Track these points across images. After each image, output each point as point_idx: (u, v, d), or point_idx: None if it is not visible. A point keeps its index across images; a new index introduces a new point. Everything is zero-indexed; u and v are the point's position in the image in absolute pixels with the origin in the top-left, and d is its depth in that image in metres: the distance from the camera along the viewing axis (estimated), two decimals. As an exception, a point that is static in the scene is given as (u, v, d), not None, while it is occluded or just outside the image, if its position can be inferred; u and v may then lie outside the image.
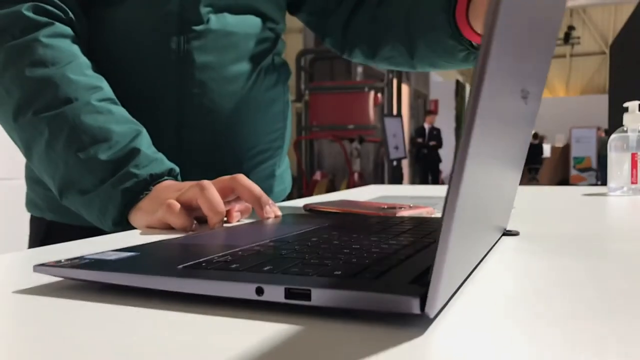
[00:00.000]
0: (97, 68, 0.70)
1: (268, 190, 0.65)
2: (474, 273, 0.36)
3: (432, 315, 0.24)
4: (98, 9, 0.74)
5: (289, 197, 0.99)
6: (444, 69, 0.84)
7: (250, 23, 0.80)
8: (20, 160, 0.80)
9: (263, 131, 0.84)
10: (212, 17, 0.76)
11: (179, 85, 0.75)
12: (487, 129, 0.26)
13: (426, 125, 9.45)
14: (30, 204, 0.84)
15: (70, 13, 0.71)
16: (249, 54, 0.80)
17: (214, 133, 0.79)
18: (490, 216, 0.37)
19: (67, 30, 0.70)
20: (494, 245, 0.47)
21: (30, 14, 0.67)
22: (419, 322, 0.26)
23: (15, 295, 0.32)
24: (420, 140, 9.43)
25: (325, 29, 0.94)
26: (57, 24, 0.69)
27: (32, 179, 0.82)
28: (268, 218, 0.62)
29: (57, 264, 0.34)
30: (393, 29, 0.84)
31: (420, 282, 0.27)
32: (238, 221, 0.64)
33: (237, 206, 0.65)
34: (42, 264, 0.34)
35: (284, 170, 0.94)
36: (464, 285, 0.33)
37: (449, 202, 0.23)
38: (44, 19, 0.68)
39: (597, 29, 18.40)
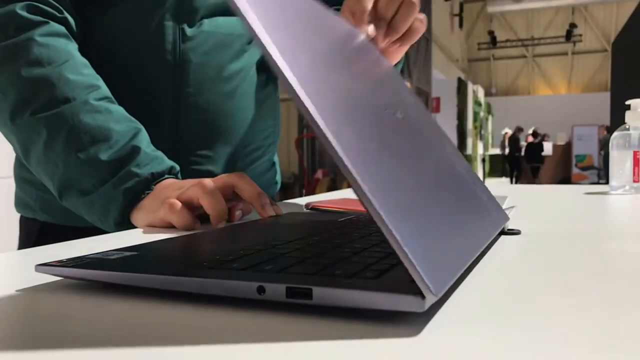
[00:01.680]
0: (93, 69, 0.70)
1: (262, 187, 0.65)
2: (473, 271, 0.36)
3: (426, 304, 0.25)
4: (93, 10, 0.74)
5: (290, 196, 1.00)
6: None
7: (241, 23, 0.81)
8: (10, 158, 0.79)
9: (256, 129, 0.85)
10: (206, 20, 0.76)
11: (175, 86, 0.76)
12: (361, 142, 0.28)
13: None
14: (20, 204, 0.83)
15: (64, 12, 0.71)
16: (242, 54, 0.81)
17: (209, 131, 0.79)
18: (457, 210, 0.37)
19: (62, 29, 0.69)
20: (493, 244, 0.47)
21: (24, 13, 0.67)
22: (420, 320, 0.26)
23: (18, 294, 0.33)
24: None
25: None
26: (52, 23, 0.69)
27: (22, 179, 0.81)
28: (269, 217, 0.62)
29: (60, 264, 0.34)
30: None
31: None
32: (239, 220, 0.65)
33: (238, 205, 0.65)
34: (45, 264, 0.34)
35: (275, 167, 0.96)
36: (462, 283, 0.33)
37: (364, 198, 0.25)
38: (38, 18, 0.67)
39: (599, 26, 18.36)
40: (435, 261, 0.27)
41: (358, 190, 0.25)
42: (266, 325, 0.26)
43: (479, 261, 0.40)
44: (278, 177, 0.98)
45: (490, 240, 0.40)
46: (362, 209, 0.69)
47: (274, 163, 0.95)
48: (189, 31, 0.75)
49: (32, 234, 0.81)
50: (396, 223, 0.25)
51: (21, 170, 0.81)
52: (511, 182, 12.70)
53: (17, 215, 0.85)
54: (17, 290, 0.33)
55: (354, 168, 0.25)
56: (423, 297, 0.24)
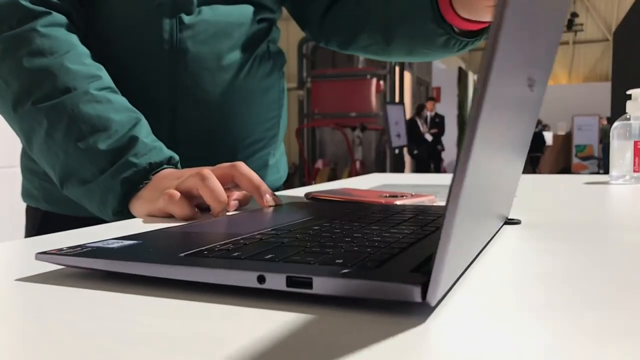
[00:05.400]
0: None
1: (263, 179, 0.65)
2: (475, 261, 0.36)
3: (433, 304, 0.24)
4: None
5: (290, 186, 0.99)
6: (421, 56, 0.83)
7: (243, 12, 0.80)
8: (18, 148, 0.79)
9: (258, 120, 0.84)
10: (204, 8, 0.76)
11: (172, 76, 0.75)
12: (493, 117, 0.25)
13: (428, 113, 9.40)
14: (26, 194, 0.84)
15: (67, 2, 0.70)
16: (243, 43, 0.80)
17: (208, 123, 0.78)
18: (492, 204, 0.37)
19: (64, 19, 0.69)
20: (495, 234, 0.47)
21: (27, 4, 0.67)
22: (420, 310, 0.26)
23: (18, 283, 0.33)
24: (420, 130, 9.39)
25: (304, 18, 0.93)
26: (55, 13, 0.68)
27: (27, 169, 0.82)
28: (268, 207, 0.61)
29: (59, 252, 0.34)
30: (372, 16, 0.84)
31: (421, 271, 0.27)
32: (236, 210, 0.64)
33: (236, 194, 0.65)
34: (44, 252, 0.34)
35: (279, 159, 0.94)
36: (465, 274, 0.33)
37: (453, 190, 0.22)
38: (41, 9, 0.67)
39: (601, 16, 18.29)
40: (446, 269, 0.25)
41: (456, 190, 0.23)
42: (266, 314, 0.26)
43: (481, 251, 0.40)
44: (284, 170, 0.96)
45: (495, 232, 0.40)
46: (361, 198, 0.69)
47: (278, 155, 0.93)
48: (186, 19, 0.74)
49: (36, 224, 0.82)
50: (457, 223, 0.23)
51: (26, 160, 0.82)
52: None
53: (24, 205, 0.86)
54: (16, 279, 0.33)
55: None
56: (422, 287, 0.24)
